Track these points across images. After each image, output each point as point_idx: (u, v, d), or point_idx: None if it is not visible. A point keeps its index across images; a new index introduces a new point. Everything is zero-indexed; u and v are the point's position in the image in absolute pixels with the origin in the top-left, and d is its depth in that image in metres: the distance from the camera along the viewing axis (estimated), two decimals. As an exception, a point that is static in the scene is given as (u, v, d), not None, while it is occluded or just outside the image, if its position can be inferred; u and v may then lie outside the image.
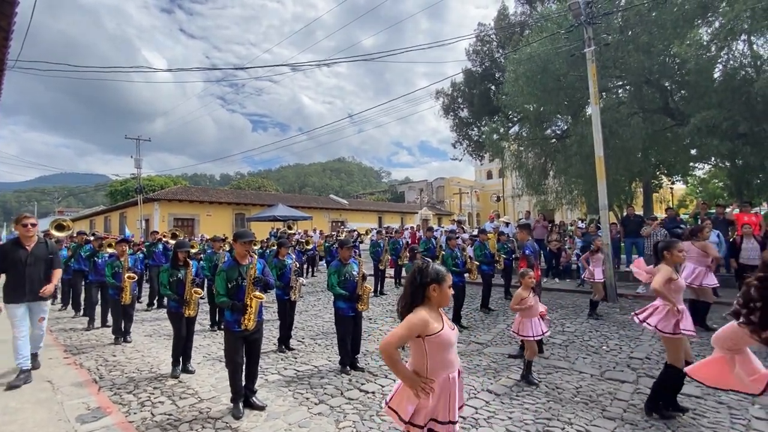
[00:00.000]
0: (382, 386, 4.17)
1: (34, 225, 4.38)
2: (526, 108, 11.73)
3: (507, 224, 12.19)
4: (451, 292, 2.09)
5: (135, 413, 3.54)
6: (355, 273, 4.67)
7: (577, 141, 10.71)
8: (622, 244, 10.28)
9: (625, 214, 10.92)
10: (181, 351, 4.55)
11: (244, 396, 3.56)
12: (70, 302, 8.66)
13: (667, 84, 11.44)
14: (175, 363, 4.51)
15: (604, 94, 11.56)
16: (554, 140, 12.78)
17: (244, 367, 3.60)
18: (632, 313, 3.77)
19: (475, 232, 12.97)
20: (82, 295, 7.92)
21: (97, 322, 7.08)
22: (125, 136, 25.86)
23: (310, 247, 11.68)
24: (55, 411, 3.46)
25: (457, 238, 7.22)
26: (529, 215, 12.67)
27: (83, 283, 7.78)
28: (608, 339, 5.76)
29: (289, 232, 13.49)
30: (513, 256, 8.78)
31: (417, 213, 39.99)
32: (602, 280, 7.24)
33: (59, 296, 9.35)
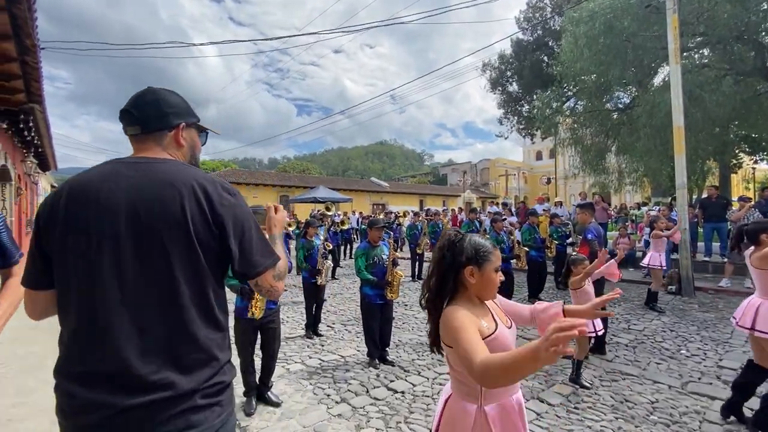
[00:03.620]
0: (413, 385, 3.67)
1: None
2: (584, 77, 10.35)
3: (560, 204, 11.08)
4: (500, 277, 1.44)
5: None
6: (384, 257, 4.15)
7: (647, 111, 9.26)
8: (700, 230, 8.90)
9: (704, 195, 9.43)
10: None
11: (257, 390, 3.21)
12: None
13: (765, 40, 9.56)
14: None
15: (682, 55, 9.91)
16: (617, 112, 11.26)
17: (257, 360, 3.24)
18: (732, 319, 2.97)
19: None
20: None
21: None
22: (176, 121, 27.26)
23: (346, 227, 11.36)
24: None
25: (503, 220, 6.45)
26: (585, 197, 11.42)
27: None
28: (687, 341, 4.84)
29: (327, 213, 13.27)
30: (567, 241, 7.85)
31: (460, 196, 38.60)
32: (661, 267, 6.19)
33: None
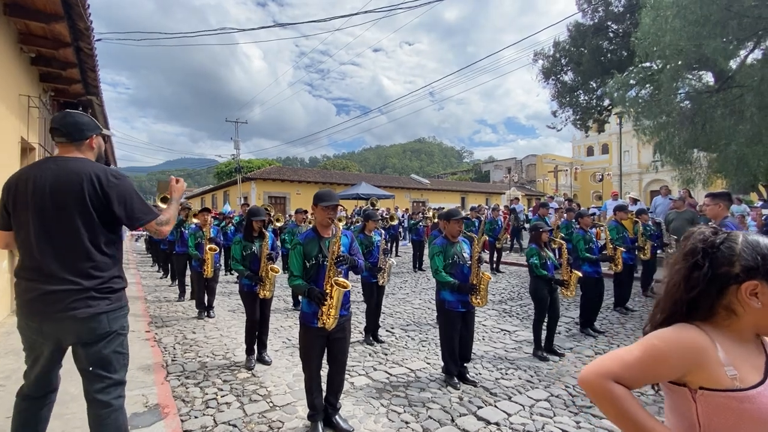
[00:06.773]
0: (508, 414, 2.97)
1: None
2: (670, 53, 9.00)
3: (635, 201, 9.85)
4: None
5: (196, 417, 2.86)
6: (466, 255, 3.48)
7: (754, 88, 7.88)
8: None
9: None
10: (256, 337, 3.86)
11: (324, 413, 2.65)
12: (170, 272, 8.94)
13: None
14: (249, 351, 3.84)
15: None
16: (707, 93, 9.79)
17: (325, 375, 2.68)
18: None
19: (592, 211, 10.76)
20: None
21: (188, 294, 6.99)
22: (225, 119, 28.58)
23: (394, 223, 10.77)
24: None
25: (592, 215, 5.56)
26: (668, 192, 10.05)
27: (174, 253, 7.81)
28: None
29: (373, 209, 12.78)
30: (657, 242, 6.78)
31: (504, 193, 36.94)
32: None
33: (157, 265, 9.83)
